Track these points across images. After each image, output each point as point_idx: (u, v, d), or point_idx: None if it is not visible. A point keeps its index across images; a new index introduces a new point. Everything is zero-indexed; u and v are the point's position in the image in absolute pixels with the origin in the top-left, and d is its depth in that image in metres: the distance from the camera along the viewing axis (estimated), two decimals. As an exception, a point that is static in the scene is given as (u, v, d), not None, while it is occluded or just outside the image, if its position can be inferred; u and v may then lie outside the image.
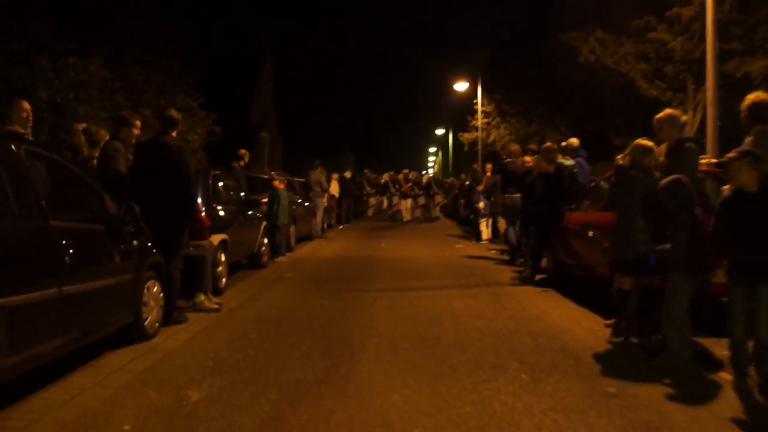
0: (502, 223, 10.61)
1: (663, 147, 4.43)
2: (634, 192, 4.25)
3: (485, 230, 12.30)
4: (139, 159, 5.19)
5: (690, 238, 3.75)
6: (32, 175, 3.42)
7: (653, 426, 2.94)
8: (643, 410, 3.13)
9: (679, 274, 3.78)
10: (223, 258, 6.63)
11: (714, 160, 4.97)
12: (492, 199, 10.97)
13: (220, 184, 7.39)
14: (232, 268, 7.36)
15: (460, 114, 25.53)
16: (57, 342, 3.40)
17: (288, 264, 9.01)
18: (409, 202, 19.10)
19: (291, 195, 10.76)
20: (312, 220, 13.06)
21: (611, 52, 13.29)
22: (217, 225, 6.47)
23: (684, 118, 4.67)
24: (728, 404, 3.25)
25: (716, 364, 3.88)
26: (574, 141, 7.99)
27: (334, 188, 16.81)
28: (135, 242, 4.45)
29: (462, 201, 17.18)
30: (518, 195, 8.30)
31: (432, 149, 57.27)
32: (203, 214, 6.09)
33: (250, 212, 8.14)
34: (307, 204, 12.68)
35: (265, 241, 8.74)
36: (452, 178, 26.85)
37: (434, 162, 57.19)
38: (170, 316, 4.97)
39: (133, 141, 5.52)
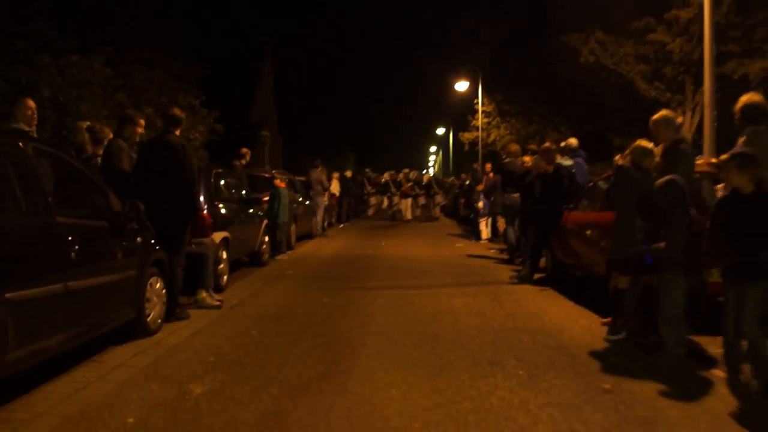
0: (501, 223, 10.67)
1: (659, 148, 4.49)
2: (633, 192, 4.30)
3: (485, 230, 12.35)
4: (142, 157, 5.24)
5: (684, 237, 3.81)
6: (39, 172, 3.47)
7: (647, 421, 3.00)
8: (637, 406, 3.19)
9: (673, 273, 3.84)
10: (224, 255, 6.68)
11: (714, 160, 5.03)
12: (492, 198, 11.02)
13: (222, 182, 7.45)
14: (233, 266, 7.41)
15: (460, 114, 25.58)
16: (62, 336, 3.46)
17: (288, 262, 9.06)
18: (409, 201, 19.15)
19: (292, 194, 10.82)
20: (313, 219, 13.12)
21: (611, 53, 13.37)
22: (219, 223, 6.52)
23: (680, 119, 4.74)
24: (720, 400, 3.31)
25: (710, 362, 3.94)
26: (573, 141, 8.05)
27: (335, 187, 16.87)
28: (138, 239, 4.51)
29: (462, 200, 17.24)
30: (517, 194, 8.35)
31: (432, 149, 57.34)
32: (205, 212, 6.15)
33: (251, 210, 8.20)
34: (307, 203, 12.74)
35: (266, 239, 8.80)
36: (452, 178, 26.90)
37: (435, 161, 57.25)
38: (172, 312, 5.02)
39: (137, 139, 5.57)
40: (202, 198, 6.12)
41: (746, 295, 3.37)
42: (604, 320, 4.90)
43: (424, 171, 34.90)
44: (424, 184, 20.56)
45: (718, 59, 8.92)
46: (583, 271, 6.43)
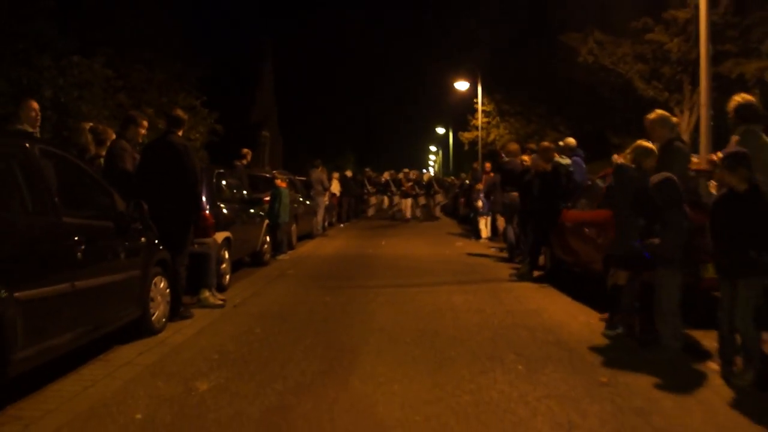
0: (501, 222, 10.73)
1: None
2: (632, 190, 4.37)
3: (484, 228, 12.42)
4: (146, 158, 5.30)
5: (678, 234, 3.88)
6: (45, 173, 3.54)
7: (642, 412, 3.07)
8: (633, 398, 3.26)
9: (667, 269, 3.91)
10: (226, 255, 6.74)
11: (714, 158, 5.10)
12: (491, 197, 11.09)
13: (224, 182, 7.51)
14: (235, 266, 7.46)
15: (460, 113, 25.64)
16: (69, 335, 3.52)
17: (290, 262, 9.13)
18: (409, 201, 19.20)
19: (292, 194, 10.88)
20: (313, 219, 13.18)
21: (609, 53, 13.46)
22: (221, 223, 6.58)
23: (675, 119, 4.81)
24: (714, 392, 3.38)
25: (705, 355, 4.01)
26: (571, 140, 8.12)
27: (335, 187, 16.93)
28: (143, 239, 4.57)
29: (462, 200, 17.30)
30: (516, 193, 8.42)
31: (432, 148, 57.38)
32: (208, 212, 6.21)
33: (252, 211, 8.27)
34: (308, 203, 12.80)
35: (268, 239, 8.86)
36: (452, 177, 26.96)
37: (435, 161, 57.28)
38: (176, 311, 5.08)
39: (140, 140, 5.64)
40: (204, 198, 6.19)
41: (739, 291, 3.45)
42: (602, 316, 4.97)
43: (424, 171, 34.92)
44: (424, 183, 20.61)
45: (716, 59, 9.00)
46: (581, 268, 6.49)
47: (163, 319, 4.80)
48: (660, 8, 12.11)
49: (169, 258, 4.95)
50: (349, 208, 18.66)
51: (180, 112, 5.57)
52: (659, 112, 4.66)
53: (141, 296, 4.47)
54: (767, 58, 10.80)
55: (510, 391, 3.38)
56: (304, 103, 29.97)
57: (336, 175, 17.74)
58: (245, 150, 10.06)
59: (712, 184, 3.73)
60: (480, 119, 20.77)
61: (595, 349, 4.24)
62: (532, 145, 10.68)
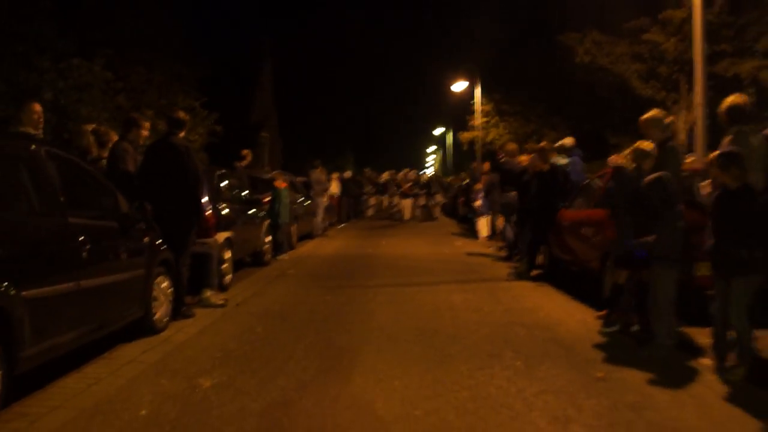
0: (500, 221, 10.80)
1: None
2: (631, 192, 4.44)
3: (483, 228, 12.48)
4: (147, 159, 5.36)
5: (672, 233, 3.96)
6: (51, 174, 3.60)
7: (636, 406, 3.15)
8: (627, 392, 3.34)
9: (662, 267, 3.99)
10: (228, 255, 6.81)
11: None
12: (490, 197, 11.15)
13: (224, 183, 7.57)
14: (236, 266, 7.51)
15: (459, 113, 25.68)
16: (74, 333, 3.58)
17: (290, 262, 9.18)
18: (409, 201, 19.25)
19: (292, 194, 10.93)
20: (313, 219, 13.24)
21: (606, 53, 13.53)
22: (222, 223, 6.64)
23: (670, 119, 4.88)
24: (706, 387, 3.46)
25: (698, 352, 4.09)
26: (568, 140, 8.20)
27: (335, 187, 16.98)
28: (146, 239, 4.64)
29: (461, 200, 17.36)
30: (514, 193, 8.49)
31: (431, 148, 57.43)
32: (209, 212, 6.27)
33: (252, 211, 8.33)
34: (308, 203, 12.86)
35: (268, 239, 8.92)
36: (451, 177, 27.00)
37: (434, 161, 57.31)
38: (179, 310, 5.14)
39: (141, 142, 5.69)
40: (205, 199, 6.24)
41: (733, 288, 3.52)
42: (599, 314, 5.04)
43: (422, 171, 34.99)
44: (423, 183, 20.65)
45: (711, 58, 9.07)
46: (578, 266, 6.56)
47: (166, 319, 4.86)
48: (657, 9, 12.20)
49: (171, 258, 5.01)
50: (349, 209, 18.71)
51: (181, 114, 5.63)
52: (653, 112, 4.74)
53: (144, 295, 4.54)
54: (762, 57, 10.87)
55: (508, 386, 3.45)
56: (304, 104, 29.97)
57: (335, 175, 17.79)
58: (245, 151, 10.09)
59: (704, 184, 3.80)
60: (478, 119, 20.82)
61: (592, 346, 4.31)
62: (531, 145, 10.76)
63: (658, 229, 4.01)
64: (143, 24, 12.54)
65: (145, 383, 3.54)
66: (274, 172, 11.47)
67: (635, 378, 3.58)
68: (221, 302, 5.80)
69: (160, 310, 4.77)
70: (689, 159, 5.07)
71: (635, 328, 4.51)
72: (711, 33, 7.01)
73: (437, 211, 20.93)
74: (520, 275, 7.45)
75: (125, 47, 11.82)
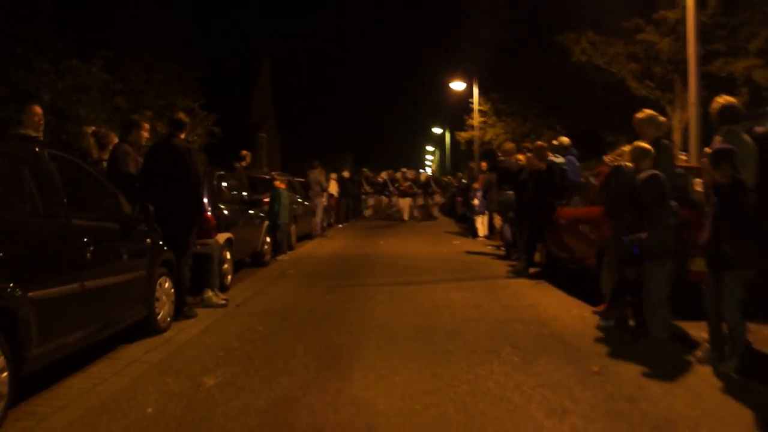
0: (498, 220, 10.87)
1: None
2: (627, 190, 4.50)
3: (481, 227, 12.55)
4: (148, 161, 5.41)
5: (664, 230, 4.03)
6: (55, 176, 3.65)
7: (632, 397, 3.22)
8: (623, 385, 3.41)
9: (655, 263, 4.06)
10: (228, 256, 6.86)
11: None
12: (488, 196, 11.22)
13: (224, 184, 7.63)
14: (236, 266, 7.56)
15: (457, 113, 25.74)
16: (79, 334, 3.63)
17: (290, 262, 9.24)
18: (407, 201, 19.31)
19: (291, 195, 10.99)
20: (312, 220, 13.29)
21: (602, 53, 13.62)
22: (222, 224, 6.70)
23: (663, 118, 4.96)
24: (700, 379, 3.54)
25: (692, 345, 4.15)
26: (565, 140, 8.27)
27: (333, 188, 17.03)
28: (148, 240, 4.69)
29: (459, 199, 17.43)
30: (512, 192, 8.55)
31: (430, 148, 57.49)
32: (210, 213, 6.33)
33: (252, 212, 8.38)
34: (307, 203, 12.91)
35: (268, 239, 8.97)
36: (449, 177, 27.06)
37: (432, 161, 57.38)
38: (181, 311, 5.19)
39: (142, 143, 5.74)
40: (206, 200, 6.30)
41: (726, 282, 3.59)
42: (596, 309, 5.11)
43: (420, 170, 35.03)
44: (422, 183, 20.70)
45: (705, 58, 9.15)
46: (575, 264, 6.63)
47: (168, 319, 4.91)
48: (652, 9, 12.28)
49: (173, 259, 5.06)
50: (347, 209, 18.76)
51: (182, 115, 5.67)
52: (647, 111, 4.82)
53: (147, 296, 4.58)
54: (755, 57, 10.97)
55: (506, 381, 3.51)
56: (303, 104, 29.94)
57: (333, 175, 17.84)
58: (244, 152, 10.15)
59: (697, 181, 3.87)
60: (476, 119, 20.89)
61: (588, 341, 4.38)
62: (528, 144, 10.84)
63: (651, 226, 4.08)
64: (143, 24, 12.53)
65: (149, 382, 3.58)
66: (273, 173, 11.51)
67: (630, 371, 3.65)
68: (222, 302, 5.86)
69: (163, 311, 4.82)
70: (683, 157, 5.14)
71: (631, 322, 4.58)
72: (704, 33, 7.08)
73: (436, 211, 20.99)
74: (519, 273, 7.52)
75: (125, 48, 11.80)
